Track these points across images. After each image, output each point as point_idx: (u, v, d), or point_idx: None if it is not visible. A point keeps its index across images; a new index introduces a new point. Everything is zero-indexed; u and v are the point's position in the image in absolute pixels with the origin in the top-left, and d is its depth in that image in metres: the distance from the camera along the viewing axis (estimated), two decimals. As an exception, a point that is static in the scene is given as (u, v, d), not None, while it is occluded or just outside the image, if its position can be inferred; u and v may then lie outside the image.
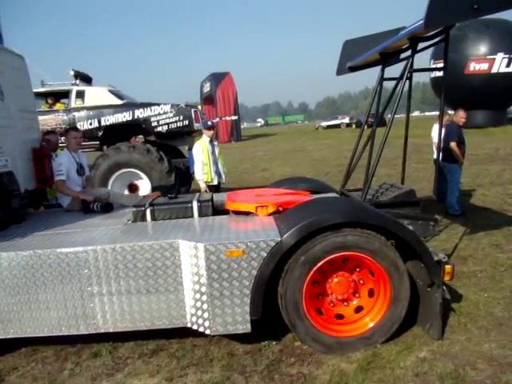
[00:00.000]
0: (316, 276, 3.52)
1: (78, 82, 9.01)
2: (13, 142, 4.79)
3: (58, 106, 8.98)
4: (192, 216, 4.28)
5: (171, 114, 8.69)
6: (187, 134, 8.95)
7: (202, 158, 7.34)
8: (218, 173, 7.56)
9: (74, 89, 8.86)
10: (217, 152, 7.61)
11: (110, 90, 9.07)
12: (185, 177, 9.43)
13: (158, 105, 8.76)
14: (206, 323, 3.38)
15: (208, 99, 42.92)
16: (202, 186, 7.37)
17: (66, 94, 8.96)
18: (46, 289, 3.44)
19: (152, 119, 8.67)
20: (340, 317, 3.61)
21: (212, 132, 7.54)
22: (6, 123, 4.71)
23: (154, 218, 4.26)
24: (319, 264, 3.34)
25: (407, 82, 4.25)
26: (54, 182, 5.05)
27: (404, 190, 4.50)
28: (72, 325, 3.48)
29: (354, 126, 45.22)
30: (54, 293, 3.45)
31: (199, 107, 9.90)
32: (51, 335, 3.52)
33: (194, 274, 3.35)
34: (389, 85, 4.94)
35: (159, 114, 8.67)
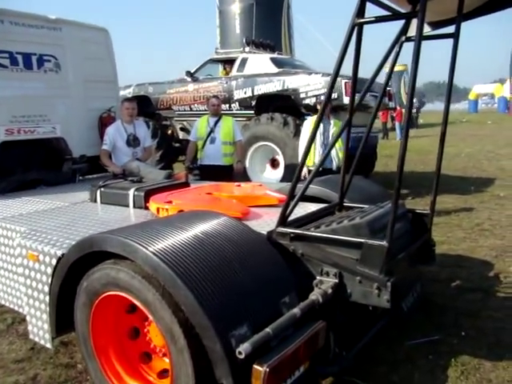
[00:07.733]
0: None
1: (247, 49, 9.02)
2: (66, 111, 5.33)
3: None
4: (128, 205, 3.90)
5: (320, 86, 7.75)
6: (339, 108, 7.80)
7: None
8: (327, 157, 6.44)
9: (240, 56, 8.85)
10: (331, 132, 6.47)
11: (271, 58, 8.73)
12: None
13: (309, 74, 7.96)
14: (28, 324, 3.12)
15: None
16: (304, 169, 6.41)
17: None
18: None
19: (301, 90, 7.94)
20: (166, 372, 2.72)
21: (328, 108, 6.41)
22: (58, 93, 5.27)
23: (102, 201, 4.09)
24: (101, 297, 2.57)
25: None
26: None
27: (362, 220, 2.78)
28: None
29: None
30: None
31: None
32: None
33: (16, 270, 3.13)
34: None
35: (308, 85, 7.87)
